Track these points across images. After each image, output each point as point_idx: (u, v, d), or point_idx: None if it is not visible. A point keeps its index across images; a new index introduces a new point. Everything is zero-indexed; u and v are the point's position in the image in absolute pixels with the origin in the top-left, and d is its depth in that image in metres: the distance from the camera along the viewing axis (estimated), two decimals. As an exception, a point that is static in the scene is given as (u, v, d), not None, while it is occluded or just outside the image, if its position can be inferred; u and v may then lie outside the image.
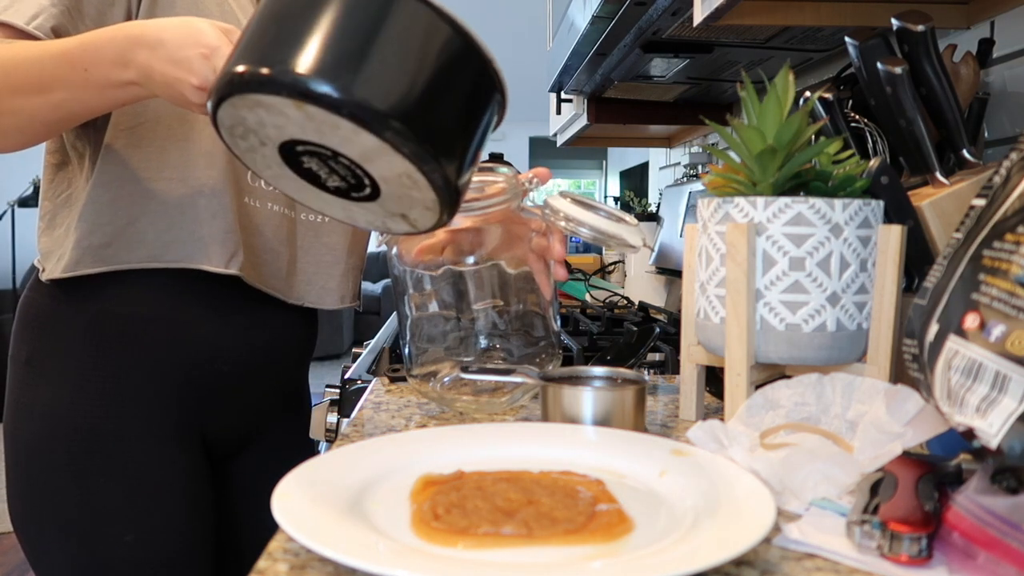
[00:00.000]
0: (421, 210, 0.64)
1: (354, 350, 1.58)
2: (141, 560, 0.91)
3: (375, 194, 0.64)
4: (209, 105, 0.62)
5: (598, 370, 0.81)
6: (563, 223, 0.81)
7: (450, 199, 0.62)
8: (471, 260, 0.84)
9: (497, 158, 2.20)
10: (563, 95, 2.39)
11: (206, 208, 0.90)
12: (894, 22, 0.86)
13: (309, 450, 1.17)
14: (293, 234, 0.99)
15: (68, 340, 0.92)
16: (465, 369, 0.79)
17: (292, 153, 0.63)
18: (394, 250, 0.86)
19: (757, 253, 0.70)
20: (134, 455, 0.91)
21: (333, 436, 1.15)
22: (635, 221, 0.82)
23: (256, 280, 0.94)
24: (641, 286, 2.33)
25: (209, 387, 0.97)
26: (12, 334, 0.96)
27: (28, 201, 4.74)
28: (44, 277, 0.91)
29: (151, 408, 0.93)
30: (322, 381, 1.43)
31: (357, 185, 0.64)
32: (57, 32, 0.82)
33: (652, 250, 0.86)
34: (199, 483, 0.98)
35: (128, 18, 0.87)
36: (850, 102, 1.00)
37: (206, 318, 0.94)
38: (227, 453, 1.05)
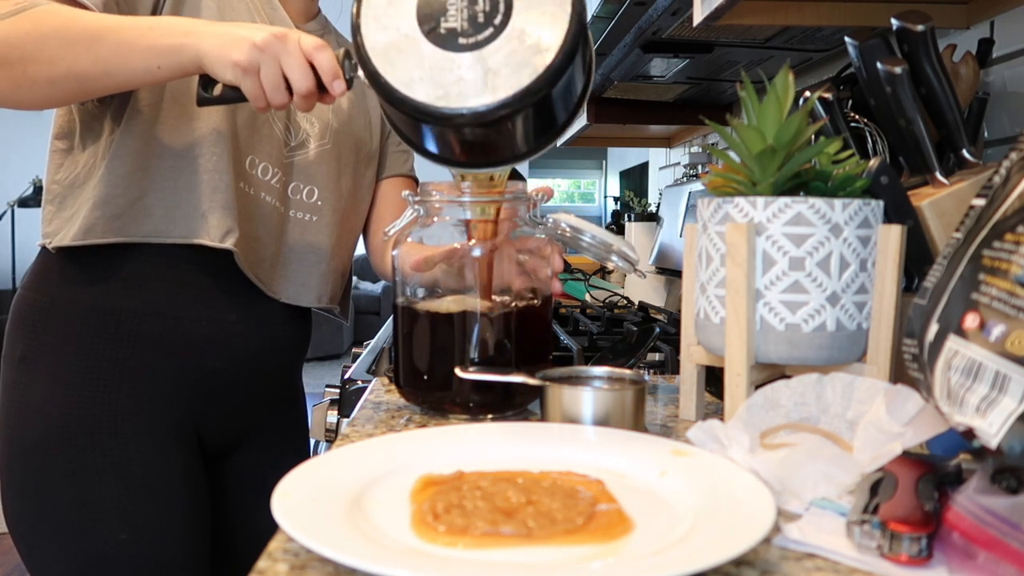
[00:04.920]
0: (523, 63, 0.69)
1: (354, 350, 1.58)
2: (135, 558, 0.91)
3: (487, 41, 0.70)
4: None
5: (598, 370, 0.81)
6: (568, 232, 0.83)
7: (569, 53, 0.69)
8: (477, 253, 0.84)
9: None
10: (563, 95, 2.38)
11: (208, 183, 0.92)
12: (894, 22, 0.86)
13: (304, 450, 1.17)
14: (282, 229, 1.00)
15: (62, 338, 0.92)
16: (463, 369, 0.79)
17: None
18: (395, 251, 0.86)
19: (757, 253, 0.70)
20: (129, 453, 0.92)
21: (333, 436, 1.15)
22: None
23: (244, 264, 0.95)
24: (641, 286, 2.33)
25: (203, 384, 0.97)
26: (5, 333, 0.97)
27: (28, 201, 4.74)
28: (53, 245, 0.91)
29: (146, 405, 0.93)
30: (322, 381, 1.43)
31: (479, 26, 0.70)
32: (99, 5, 0.84)
33: (643, 276, 0.88)
34: (194, 481, 0.98)
35: (155, 4, 0.91)
36: (850, 102, 1.00)
37: (200, 315, 0.95)
38: (222, 451, 1.05)
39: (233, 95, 0.81)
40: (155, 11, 0.91)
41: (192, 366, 0.96)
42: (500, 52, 0.69)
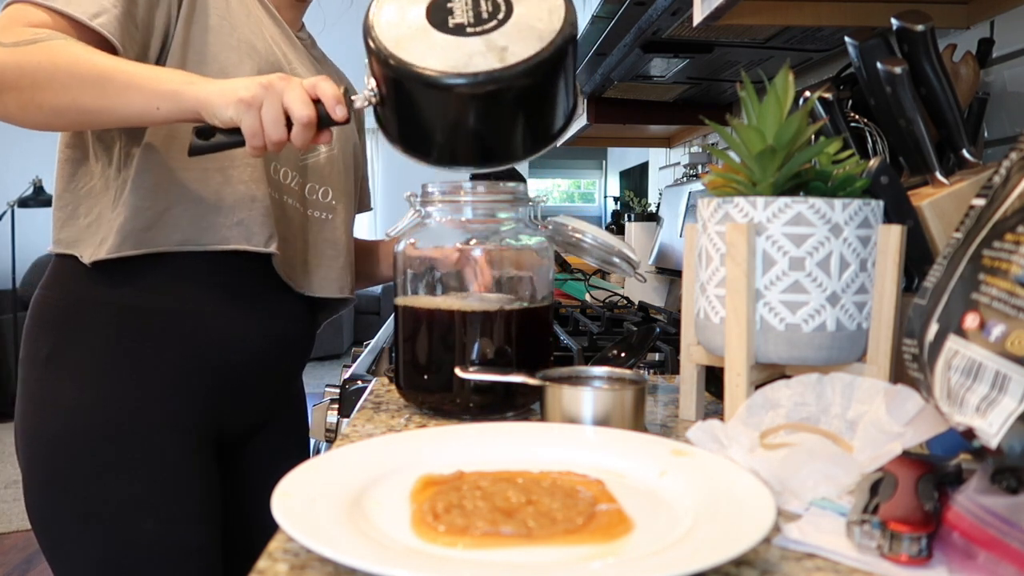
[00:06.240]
0: (530, 40, 0.76)
1: (354, 350, 1.58)
2: (161, 548, 0.95)
3: (492, 30, 0.76)
4: None
5: (598, 370, 0.81)
6: (570, 234, 0.83)
7: (570, 35, 0.76)
8: (478, 253, 0.84)
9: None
10: (563, 95, 2.38)
11: (246, 193, 0.96)
12: (894, 22, 0.86)
13: (306, 443, 1.23)
14: (304, 228, 1.06)
15: (90, 336, 0.95)
16: (464, 369, 0.79)
17: None
18: (400, 246, 0.86)
19: (757, 253, 0.70)
20: (156, 446, 0.95)
21: (333, 436, 1.15)
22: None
23: (279, 265, 1.00)
24: (641, 286, 2.33)
25: (225, 377, 1.01)
26: (25, 333, 0.99)
27: (28, 201, 4.73)
28: (88, 260, 0.94)
29: (172, 400, 0.97)
30: (322, 381, 1.44)
31: (483, 21, 0.76)
32: (116, 34, 0.87)
33: (643, 279, 0.90)
34: (213, 473, 1.02)
35: (167, 24, 0.94)
36: (850, 102, 1.00)
37: (223, 311, 0.99)
38: (234, 444, 1.09)
39: (227, 140, 0.83)
40: (167, 31, 0.94)
41: (216, 361, 0.99)
42: (506, 35, 0.75)
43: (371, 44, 0.79)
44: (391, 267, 1.23)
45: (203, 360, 0.98)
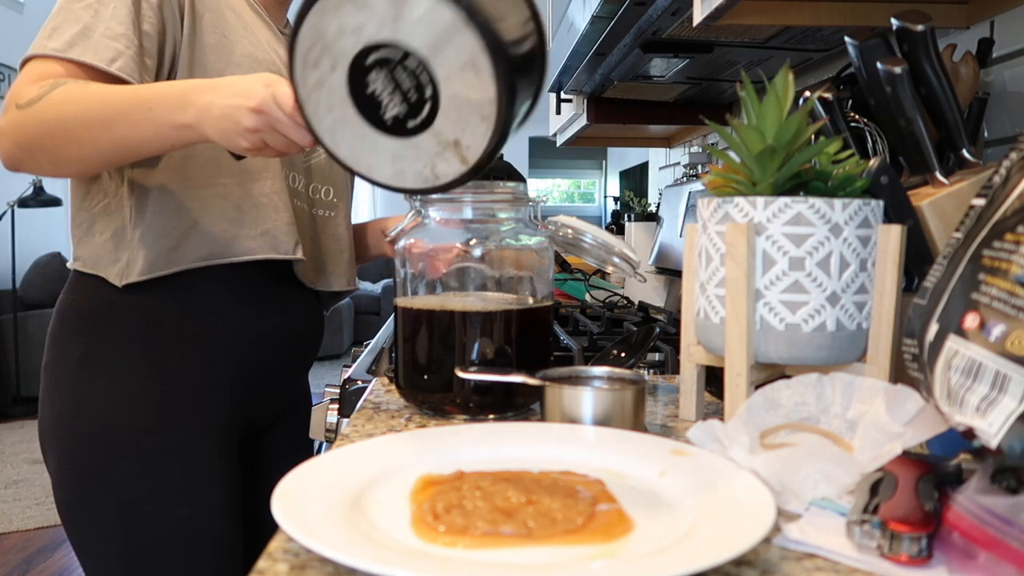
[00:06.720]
0: (476, 123, 0.67)
1: (354, 350, 1.59)
2: (191, 533, 0.99)
3: (432, 115, 0.68)
4: (292, 26, 0.69)
5: (598, 370, 0.81)
6: (570, 234, 0.83)
7: (508, 99, 0.66)
8: (478, 253, 0.84)
9: (498, 158, 2.20)
10: (563, 95, 2.39)
11: (269, 204, 1.01)
12: (894, 22, 0.86)
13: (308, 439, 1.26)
14: (313, 228, 1.11)
15: (123, 339, 0.99)
16: (464, 369, 0.79)
17: (360, 74, 0.69)
18: (401, 243, 0.86)
19: (757, 253, 0.70)
20: (190, 437, 1.00)
21: (333, 436, 1.16)
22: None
23: (297, 266, 1.05)
24: (641, 286, 2.33)
25: (248, 373, 1.05)
26: (53, 337, 1.03)
27: (28, 201, 4.73)
28: (122, 283, 0.97)
29: (201, 395, 1.01)
30: (322, 381, 1.44)
31: (416, 105, 0.68)
32: (136, 75, 0.90)
33: (643, 280, 0.90)
34: (235, 467, 1.06)
35: (175, 48, 0.97)
36: (850, 102, 1.00)
37: (245, 310, 1.03)
38: (250, 440, 1.13)
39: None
40: (175, 53, 0.96)
41: (240, 358, 1.03)
42: (449, 121, 0.68)
43: (333, 159, 0.76)
44: (378, 246, 1.27)
45: (228, 357, 1.02)
